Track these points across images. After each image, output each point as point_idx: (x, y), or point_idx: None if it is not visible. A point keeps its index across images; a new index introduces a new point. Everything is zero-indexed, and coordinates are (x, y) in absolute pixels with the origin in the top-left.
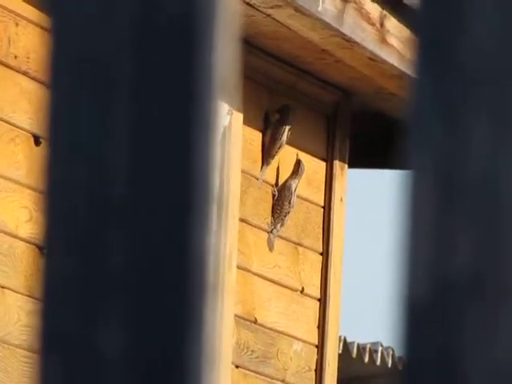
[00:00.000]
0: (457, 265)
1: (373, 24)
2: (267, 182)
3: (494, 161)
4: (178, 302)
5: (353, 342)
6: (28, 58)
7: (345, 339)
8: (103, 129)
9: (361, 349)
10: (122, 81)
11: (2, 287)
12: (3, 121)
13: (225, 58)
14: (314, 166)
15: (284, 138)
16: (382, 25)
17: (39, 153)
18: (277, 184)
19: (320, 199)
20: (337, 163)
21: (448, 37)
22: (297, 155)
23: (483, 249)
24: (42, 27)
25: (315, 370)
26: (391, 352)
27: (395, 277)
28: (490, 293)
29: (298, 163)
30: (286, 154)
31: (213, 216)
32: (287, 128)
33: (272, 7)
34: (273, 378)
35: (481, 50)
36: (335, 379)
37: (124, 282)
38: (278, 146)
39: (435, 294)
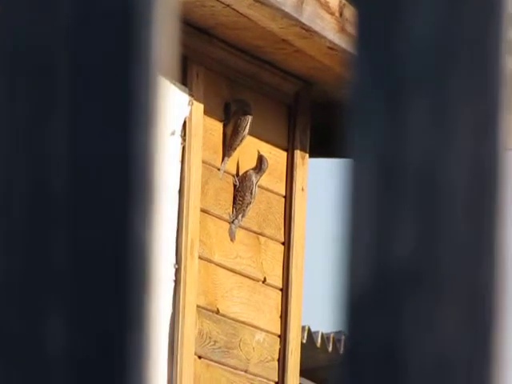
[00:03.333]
0: (397, 252)
1: (332, 13)
2: (228, 173)
3: (432, 148)
4: (118, 296)
5: (317, 332)
6: None
7: (309, 329)
8: (42, 120)
9: (325, 338)
10: (61, 70)
11: None
12: None
13: (163, 47)
14: (275, 156)
15: (246, 130)
16: (341, 14)
17: None
18: (238, 174)
19: (281, 189)
20: (298, 153)
21: (386, 25)
22: (258, 152)
23: (423, 236)
24: None
25: (278, 360)
26: None
27: (337, 265)
28: (430, 280)
29: (261, 159)
30: (247, 145)
31: (153, 210)
32: (249, 120)
33: None
34: (236, 369)
35: (418, 37)
36: (298, 369)
37: (65, 277)
38: (240, 138)
39: (376, 281)
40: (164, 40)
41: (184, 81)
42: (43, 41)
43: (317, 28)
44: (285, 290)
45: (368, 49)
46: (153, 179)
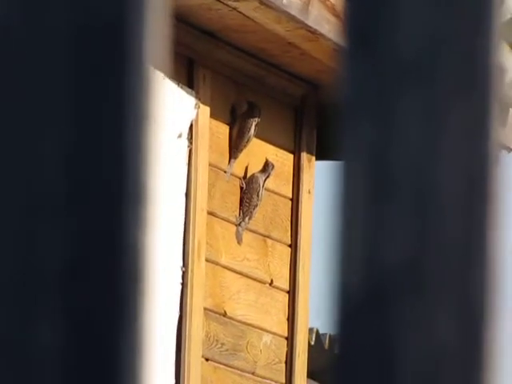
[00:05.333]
0: (389, 256)
1: (338, 16)
2: (235, 175)
3: (424, 149)
4: (111, 300)
5: (325, 334)
6: None
7: (317, 331)
8: (39, 123)
9: (333, 340)
10: (56, 71)
11: None
12: None
13: (156, 45)
14: (282, 159)
15: (252, 131)
16: None
17: None
18: (245, 177)
19: (288, 191)
20: (304, 155)
21: (376, 22)
22: (266, 159)
23: (416, 238)
24: None
25: (285, 362)
26: None
27: (332, 266)
28: (422, 284)
29: (267, 164)
30: (254, 147)
31: (147, 213)
32: (255, 122)
33: (237, 0)
34: (243, 371)
35: (409, 36)
36: (305, 371)
37: (58, 280)
38: (246, 139)
39: (368, 285)
40: (157, 38)
41: (190, 84)
42: (37, 42)
43: (323, 31)
44: (292, 293)
45: (358, 47)
46: (146, 180)
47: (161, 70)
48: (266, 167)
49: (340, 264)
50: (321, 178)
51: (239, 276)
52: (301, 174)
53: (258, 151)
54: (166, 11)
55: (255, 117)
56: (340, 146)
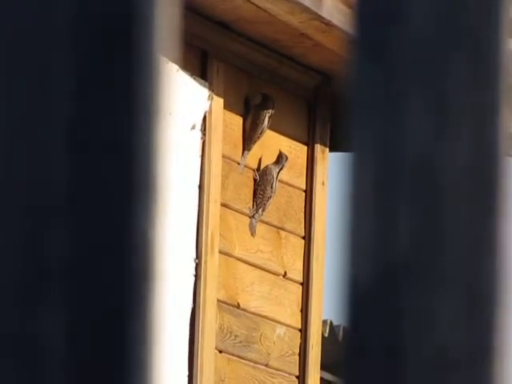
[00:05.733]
0: (397, 247)
1: (351, 7)
2: (248, 167)
3: (432, 141)
4: (118, 290)
5: (339, 325)
6: None
7: (331, 322)
8: (41, 119)
9: (347, 332)
10: (60, 70)
11: None
12: None
13: (165, 33)
14: (295, 151)
15: (265, 123)
16: None
17: None
18: (258, 169)
19: (302, 183)
20: (318, 147)
21: (385, 15)
22: (279, 151)
23: (424, 229)
24: None
25: (299, 354)
26: None
27: (342, 256)
28: (430, 274)
29: (281, 156)
30: (268, 139)
31: (155, 205)
32: (268, 113)
33: None
34: (256, 363)
35: (418, 37)
36: (319, 363)
37: (59, 280)
38: (260, 131)
39: (377, 274)
40: (168, 29)
41: (204, 75)
42: (45, 35)
43: (336, 22)
44: (305, 284)
45: (367, 39)
46: (157, 174)
47: (173, 61)
48: (280, 159)
49: (349, 254)
50: (334, 169)
51: (253, 268)
52: (314, 166)
53: (271, 143)
54: (177, 2)
55: (269, 108)
56: (349, 139)
